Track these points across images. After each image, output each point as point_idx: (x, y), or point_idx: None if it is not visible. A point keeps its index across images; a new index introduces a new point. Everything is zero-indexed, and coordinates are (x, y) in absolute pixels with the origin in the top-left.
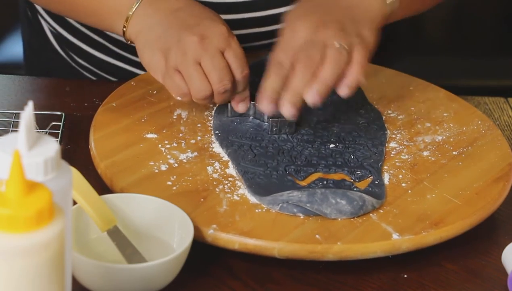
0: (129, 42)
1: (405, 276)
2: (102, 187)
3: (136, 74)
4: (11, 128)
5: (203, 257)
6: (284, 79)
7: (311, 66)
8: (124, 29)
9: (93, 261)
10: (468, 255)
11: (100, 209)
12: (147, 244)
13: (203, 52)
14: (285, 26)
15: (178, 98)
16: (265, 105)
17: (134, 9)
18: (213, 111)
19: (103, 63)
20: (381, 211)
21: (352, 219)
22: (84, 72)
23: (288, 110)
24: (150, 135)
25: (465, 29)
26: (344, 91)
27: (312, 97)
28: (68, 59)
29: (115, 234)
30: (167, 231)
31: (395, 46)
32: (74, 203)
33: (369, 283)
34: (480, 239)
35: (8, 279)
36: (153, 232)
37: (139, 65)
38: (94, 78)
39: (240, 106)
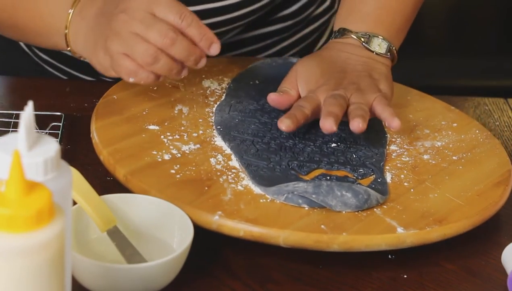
0: (81, 58)
1: (405, 276)
2: (102, 187)
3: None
4: (11, 128)
5: (203, 257)
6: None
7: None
8: (69, 48)
9: (93, 261)
10: (468, 255)
11: (100, 209)
12: (147, 244)
13: (132, 21)
14: (304, 88)
15: (131, 79)
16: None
17: (68, 26)
18: (214, 109)
19: (67, 57)
20: (385, 206)
21: (356, 213)
22: (50, 69)
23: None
24: (152, 127)
25: (465, 29)
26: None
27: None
28: (32, 55)
29: (115, 234)
30: (167, 231)
31: None
32: (74, 203)
33: (369, 283)
34: (480, 239)
35: (8, 279)
36: (153, 232)
37: None
38: (59, 74)
39: (212, 49)
